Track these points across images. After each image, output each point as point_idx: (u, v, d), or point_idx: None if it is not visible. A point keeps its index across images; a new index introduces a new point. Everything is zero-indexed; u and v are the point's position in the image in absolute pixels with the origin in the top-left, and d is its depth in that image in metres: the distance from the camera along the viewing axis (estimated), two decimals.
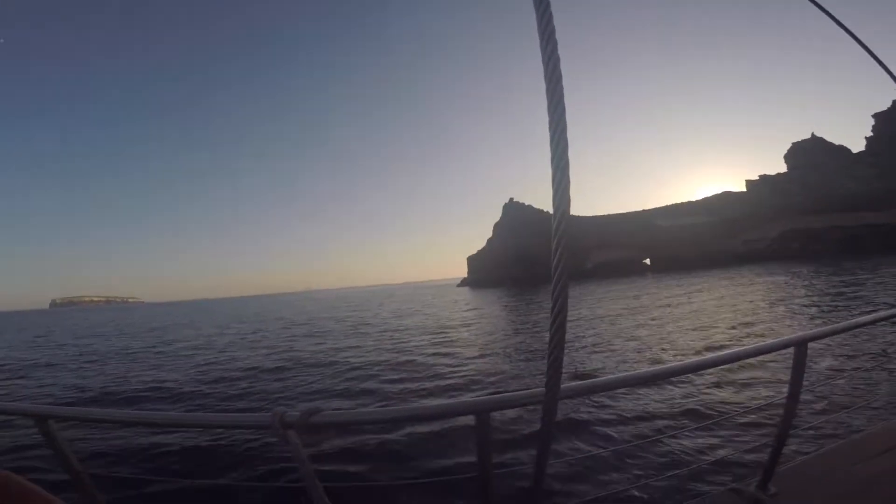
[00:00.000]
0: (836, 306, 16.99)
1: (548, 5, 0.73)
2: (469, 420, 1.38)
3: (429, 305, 43.36)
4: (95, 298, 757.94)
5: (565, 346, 0.84)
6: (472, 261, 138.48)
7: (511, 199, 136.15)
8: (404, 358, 13.10)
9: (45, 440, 1.71)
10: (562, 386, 0.91)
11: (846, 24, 2.48)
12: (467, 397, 2.08)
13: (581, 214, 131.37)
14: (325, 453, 5.59)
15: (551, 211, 0.78)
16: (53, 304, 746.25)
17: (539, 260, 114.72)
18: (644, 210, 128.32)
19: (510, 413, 6.12)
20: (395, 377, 10.74)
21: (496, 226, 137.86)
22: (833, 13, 2.20)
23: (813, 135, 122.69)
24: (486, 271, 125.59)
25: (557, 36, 0.72)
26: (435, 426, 6.12)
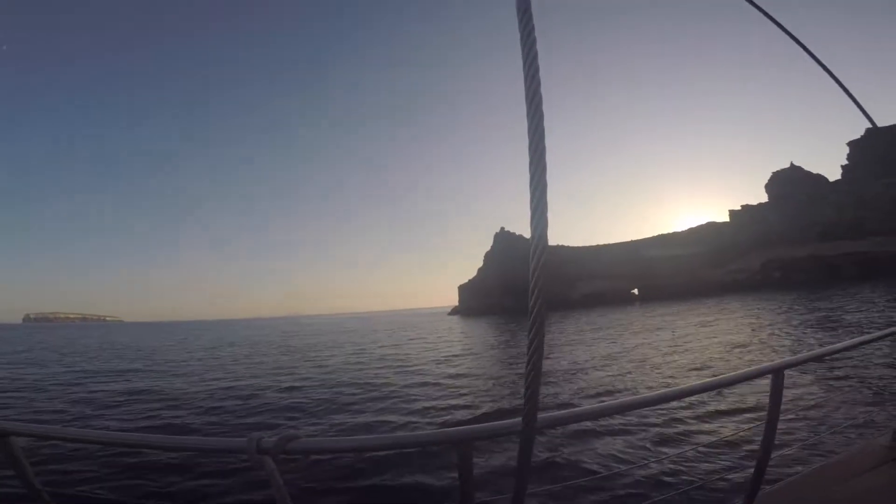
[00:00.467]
0: (812, 334, 17.93)
1: (533, 41, 0.72)
2: (451, 450, 1.39)
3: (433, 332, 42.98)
4: (71, 315, 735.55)
5: (542, 376, 0.84)
6: (463, 290, 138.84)
7: (502, 229, 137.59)
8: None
9: (5, 456, 1.67)
10: (540, 416, 0.89)
11: (822, 60, 2.85)
12: (449, 427, 1.56)
13: (569, 244, 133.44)
14: (303, 481, 5.44)
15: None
16: (27, 318, 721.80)
17: (526, 290, 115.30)
18: (632, 241, 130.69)
19: (497, 441, 6.01)
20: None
21: (487, 255, 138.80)
22: (811, 49, 2.49)
23: (792, 164, 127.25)
24: (476, 300, 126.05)
25: (541, 61, 0.71)
26: (417, 456, 6.02)
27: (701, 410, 7.56)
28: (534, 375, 0.83)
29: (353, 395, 12.65)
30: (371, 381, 14.93)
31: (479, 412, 9.64)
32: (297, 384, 15.00)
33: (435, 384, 13.94)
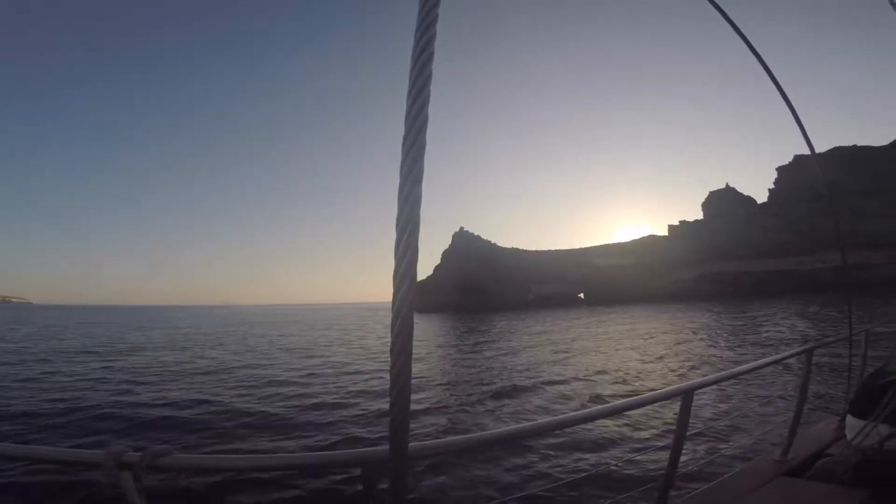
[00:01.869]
0: (726, 348, 19.47)
1: (431, 37, 0.69)
2: (354, 472, 1.30)
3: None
4: None
5: (412, 393, 0.71)
6: (420, 286, 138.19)
7: (461, 229, 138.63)
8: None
9: None
10: (411, 444, 0.78)
11: (778, 79, 2.99)
12: (353, 448, 2.09)
13: (524, 248, 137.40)
14: (171, 502, 4.76)
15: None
16: None
17: (487, 290, 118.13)
18: (580, 248, 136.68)
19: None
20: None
21: (445, 253, 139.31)
22: (770, 68, 2.59)
23: (727, 185, 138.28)
24: (432, 297, 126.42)
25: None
26: (308, 478, 5.57)
27: (607, 431, 7.45)
28: (401, 393, 0.70)
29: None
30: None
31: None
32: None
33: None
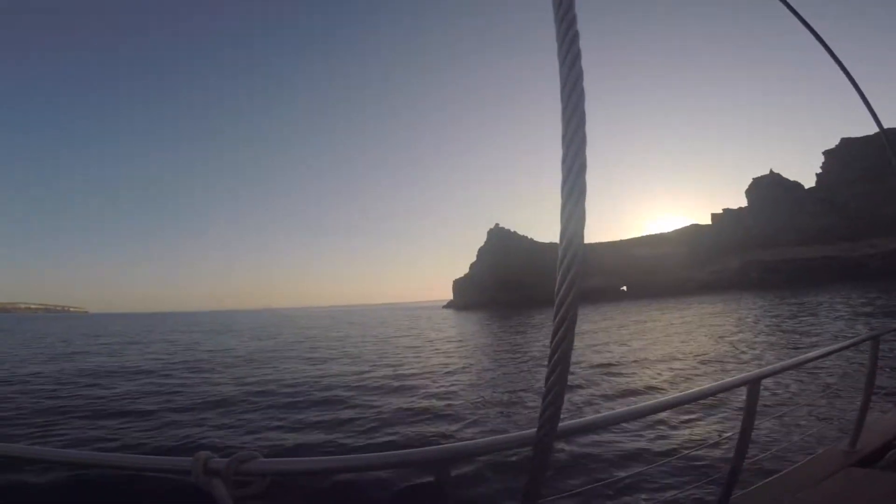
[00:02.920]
0: (787, 337, 18.56)
1: (574, 35, 0.70)
2: (428, 471, 1.32)
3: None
4: (33, 306, 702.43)
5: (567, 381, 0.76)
6: (458, 284, 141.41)
7: (497, 225, 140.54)
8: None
9: None
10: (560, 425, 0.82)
11: (840, 58, 2.88)
12: (428, 446, 1.83)
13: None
14: None
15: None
16: None
17: (523, 285, 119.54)
18: (621, 240, 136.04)
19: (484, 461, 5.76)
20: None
21: (481, 250, 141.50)
22: (832, 48, 2.36)
23: (771, 171, 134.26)
24: (470, 295, 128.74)
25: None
26: (392, 478, 5.55)
27: (674, 422, 7.47)
28: (558, 379, 0.76)
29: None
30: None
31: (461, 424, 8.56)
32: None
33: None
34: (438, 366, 16.05)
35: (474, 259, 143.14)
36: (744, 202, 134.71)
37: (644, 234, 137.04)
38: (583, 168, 0.70)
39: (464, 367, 15.56)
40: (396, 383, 12.59)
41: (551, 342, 0.75)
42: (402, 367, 16.02)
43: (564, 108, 0.70)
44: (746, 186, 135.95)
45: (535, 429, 0.83)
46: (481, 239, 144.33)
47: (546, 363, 0.77)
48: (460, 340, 27.01)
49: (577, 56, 0.70)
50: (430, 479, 1.30)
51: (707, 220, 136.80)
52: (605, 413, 1.70)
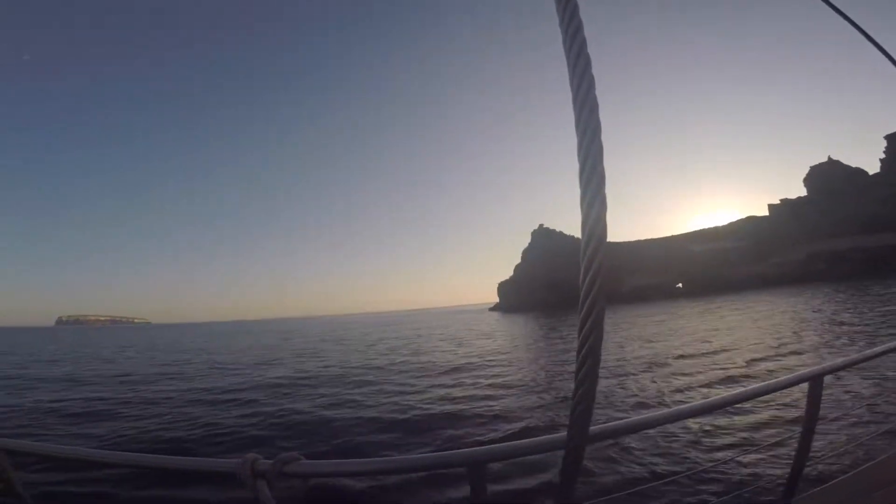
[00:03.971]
0: (859, 330, 17.52)
1: (579, 28, 0.69)
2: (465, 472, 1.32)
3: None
4: (101, 317, 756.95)
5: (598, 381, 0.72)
6: (503, 287, 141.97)
7: (541, 226, 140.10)
8: None
9: None
10: (591, 428, 0.79)
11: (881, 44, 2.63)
12: (461, 448, 1.41)
13: (611, 240, 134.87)
14: None
15: (580, 235, 0.72)
16: (59, 321, 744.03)
17: (572, 285, 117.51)
18: (673, 236, 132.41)
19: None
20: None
21: (525, 252, 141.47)
22: (870, 34, 2.29)
23: (829, 158, 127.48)
24: (516, 297, 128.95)
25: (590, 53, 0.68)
26: (431, 479, 5.53)
27: (736, 417, 7.30)
28: (587, 378, 0.71)
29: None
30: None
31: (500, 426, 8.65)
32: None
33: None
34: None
35: (519, 261, 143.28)
36: (799, 191, 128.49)
37: (696, 228, 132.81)
38: (599, 155, 0.67)
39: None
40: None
41: (578, 336, 0.70)
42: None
43: (575, 96, 0.68)
44: (802, 175, 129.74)
45: (565, 432, 0.80)
46: (525, 240, 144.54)
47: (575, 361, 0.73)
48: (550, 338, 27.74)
49: (583, 45, 0.68)
50: (466, 481, 1.35)
51: (762, 212, 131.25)
52: (650, 412, 1.64)
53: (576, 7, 0.69)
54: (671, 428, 6.86)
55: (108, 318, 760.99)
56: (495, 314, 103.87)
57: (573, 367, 0.69)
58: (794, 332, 18.84)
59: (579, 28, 0.68)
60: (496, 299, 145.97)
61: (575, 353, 0.70)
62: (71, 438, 9.02)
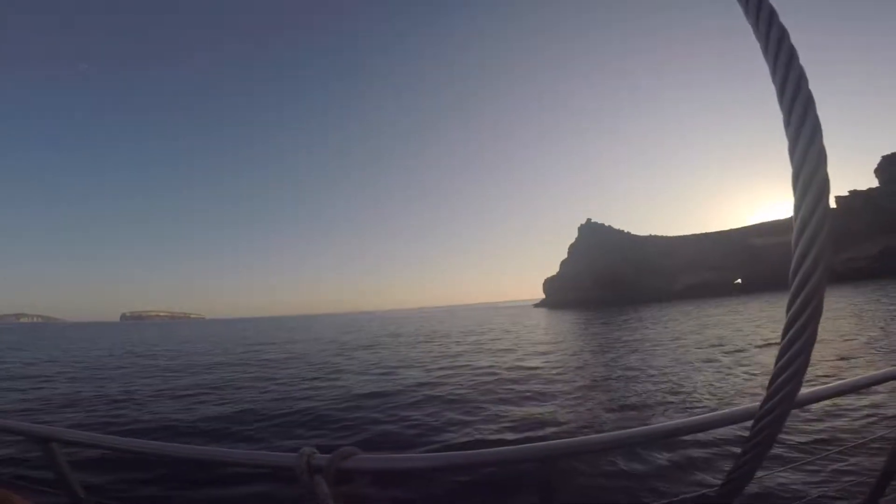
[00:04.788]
0: None
1: (772, 13, 0.66)
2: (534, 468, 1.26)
3: None
4: (161, 313, 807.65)
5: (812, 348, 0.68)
6: (549, 283, 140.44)
7: (588, 220, 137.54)
8: None
9: (48, 463, 1.66)
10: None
11: None
12: (533, 442, 1.37)
13: (663, 234, 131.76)
14: None
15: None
16: (124, 317, 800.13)
17: (622, 281, 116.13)
18: (734, 229, 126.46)
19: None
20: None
21: (572, 247, 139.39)
22: None
23: None
24: (563, 293, 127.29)
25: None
26: (496, 475, 5.23)
27: (825, 414, 7.03)
28: (803, 340, 0.68)
29: None
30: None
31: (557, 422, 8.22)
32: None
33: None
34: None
35: (565, 256, 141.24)
36: (870, 182, 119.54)
37: (757, 222, 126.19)
38: (810, 102, 0.64)
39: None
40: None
41: (790, 307, 0.67)
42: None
43: (774, 66, 0.66)
44: (873, 165, 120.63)
45: (761, 402, 0.76)
46: (572, 235, 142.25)
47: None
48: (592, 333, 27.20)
49: (783, 34, 0.66)
50: (542, 474, 1.29)
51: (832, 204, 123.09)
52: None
53: None
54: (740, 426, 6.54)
55: (167, 314, 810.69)
56: (542, 310, 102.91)
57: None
58: (882, 328, 17.73)
59: (773, 14, 0.67)
60: (535, 296, 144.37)
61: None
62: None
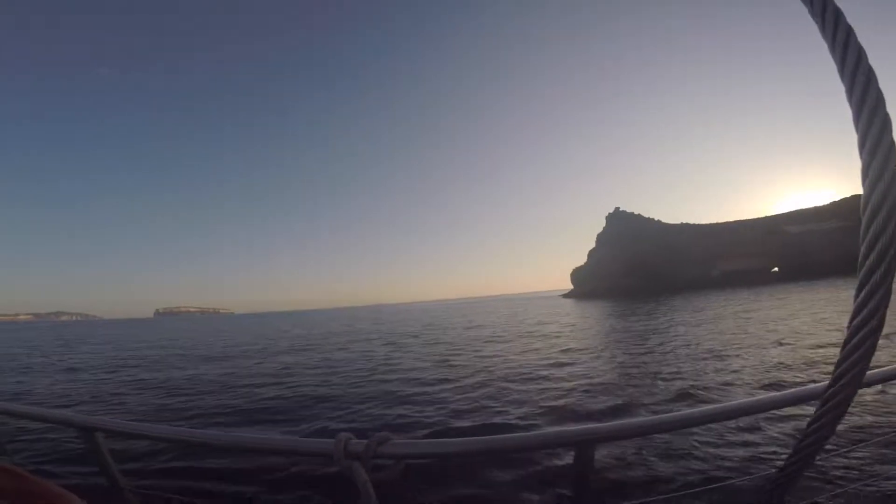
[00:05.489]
0: None
1: (838, 14, 0.67)
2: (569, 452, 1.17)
3: None
4: (191, 308, 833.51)
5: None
6: (577, 273, 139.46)
7: (617, 209, 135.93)
8: None
9: (91, 452, 1.69)
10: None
11: None
12: (571, 426, 1.53)
13: (696, 222, 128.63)
14: (394, 491, 4.47)
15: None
16: (157, 313, 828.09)
17: (654, 270, 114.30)
18: (769, 216, 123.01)
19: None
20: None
21: (599, 237, 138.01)
22: None
23: None
24: (591, 283, 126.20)
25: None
26: (538, 459, 5.22)
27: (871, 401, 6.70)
28: (873, 322, 0.69)
29: None
30: None
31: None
32: None
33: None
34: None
35: (593, 246, 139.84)
36: None
37: (794, 209, 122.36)
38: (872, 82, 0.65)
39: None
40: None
41: (860, 289, 0.70)
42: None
43: (835, 51, 0.67)
44: None
45: (829, 380, 0.76)
46: (599, 225, 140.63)
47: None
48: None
49: (850, 33, 0.67)
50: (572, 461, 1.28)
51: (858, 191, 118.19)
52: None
53: None
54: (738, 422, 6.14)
55: (198, 309, 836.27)
56: (569, 301, 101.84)
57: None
58: None
59: (838, 15, 0.67)
60: (562, 287, 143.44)
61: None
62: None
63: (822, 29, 0.69)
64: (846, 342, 0.72)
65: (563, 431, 1.34)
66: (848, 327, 0.72)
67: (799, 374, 9.62)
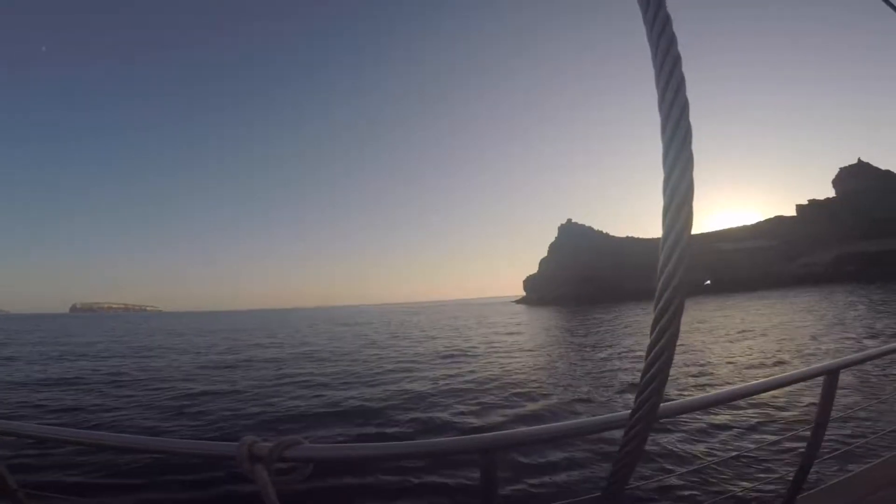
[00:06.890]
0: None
1: (665, 22, 0.65)
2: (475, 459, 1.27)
3: None
4: (115, 305, 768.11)
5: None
6: (529, 281, 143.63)
7: (569, 220, 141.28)
8: None
9: None
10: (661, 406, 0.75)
11: None
12: (475, 434, 1.84)
13: (640, 237, 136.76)
14: (298, 496, 4.41)
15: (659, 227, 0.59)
16: (74, 308, 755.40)
17: (601, 280, 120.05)
18: (704, 233, 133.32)
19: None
20: None
21: (551, 246, 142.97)
22: None
23: (860, 160, 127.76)
24: (542, 290, 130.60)
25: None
26: (438, 465, 5.39)
27: (742, 415, 7.09)
28: (661, 354, 0.69)
29: None
30: None
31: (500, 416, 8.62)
32: None
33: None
34: None
35: (545, 255, 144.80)
36: (827, 192, 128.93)
37: (723, 227, 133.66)
38: (688, 135, 0.64)
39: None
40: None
41: (655, 318, 0.67)
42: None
43: (663, 96, 0.64)
44: (830, 177, 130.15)
45: (629, 411, 0.76)
46: (551, 235, 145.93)
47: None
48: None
49: (672, 41, 0.65)
50: (481, 467, 1.30)
51: (789, 212, 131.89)
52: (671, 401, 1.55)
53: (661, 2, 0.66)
54: (681, 420, 6.75)
55: (122, 306, 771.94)
56: (521, 306, 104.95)
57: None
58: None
59: (666, 22, 0.66)
60: (512, 293, 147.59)
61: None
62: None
63: (649, 34, 0.67)
64: (644, 373, 0.73)
65: (467, 439, 1.38)
66: (645, 359, 0.72)
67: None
